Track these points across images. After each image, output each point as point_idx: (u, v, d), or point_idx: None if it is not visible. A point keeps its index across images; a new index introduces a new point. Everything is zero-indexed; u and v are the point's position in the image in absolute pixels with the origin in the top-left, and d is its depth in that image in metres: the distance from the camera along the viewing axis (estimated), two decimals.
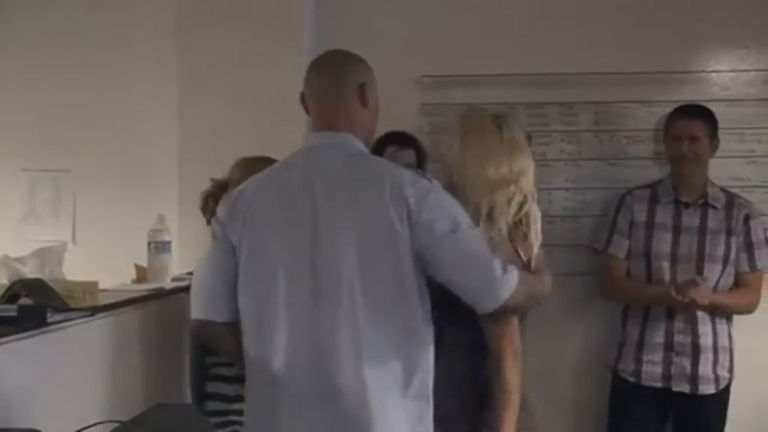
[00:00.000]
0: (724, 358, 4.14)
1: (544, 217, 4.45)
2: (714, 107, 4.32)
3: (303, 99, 2.75)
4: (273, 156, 3.30)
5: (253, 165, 3.42)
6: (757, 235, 4.22)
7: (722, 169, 4.36)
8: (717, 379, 4.13)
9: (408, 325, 2.55)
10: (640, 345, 4.18)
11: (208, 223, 3.50)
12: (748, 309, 4.22)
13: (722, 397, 4.17)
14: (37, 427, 2.02)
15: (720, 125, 4.29)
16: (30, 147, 4.50)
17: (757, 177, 4.46)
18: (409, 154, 4.09)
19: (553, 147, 4.53)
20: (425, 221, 2.52)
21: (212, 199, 3.49)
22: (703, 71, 4.50)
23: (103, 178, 4.49)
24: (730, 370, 4.17)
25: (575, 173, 4.53)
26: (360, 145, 2.67)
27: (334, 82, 2.69)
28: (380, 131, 4.16)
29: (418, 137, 4.22)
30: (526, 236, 2.93)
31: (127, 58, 4.35)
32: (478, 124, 2.96)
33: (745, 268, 4.21)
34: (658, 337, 4.14)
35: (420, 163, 4.14)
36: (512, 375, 2.77)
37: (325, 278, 2.52)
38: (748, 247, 4.20)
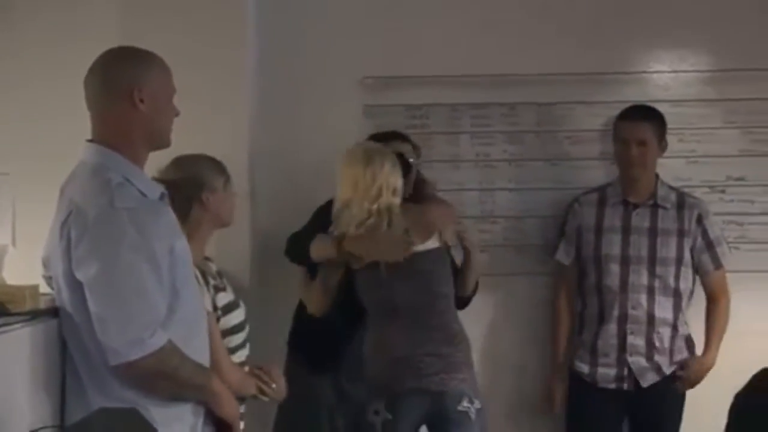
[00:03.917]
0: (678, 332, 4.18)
1: (488, 217, 4.52)
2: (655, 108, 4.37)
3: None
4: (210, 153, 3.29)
5: (192, 163, 3.39)
6: (714, 232, 4.22)
7: (664, 169, 4.39)
8: (671, 352, 4.15)
9: None
10: (594, 348, 4.19)
11: None
12: (728, 314, 4.25)
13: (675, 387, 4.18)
14: None
15: None
16: None
17: (697, 177, 4.49)
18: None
19: (496, 147, 4.55)
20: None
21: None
22: (645, 72, 4.53)
23: (42, 181, 4.40)
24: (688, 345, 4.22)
25: (518, 174, 4.55)
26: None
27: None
28: (324, 134, 4.17)
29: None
30: None
31: (68, 60, 4.29)
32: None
33: (710, 267, 4.22)
34: (612, 339, 4.15)
35: None
36: None
37: None
38: (709, 246, 4.20)
